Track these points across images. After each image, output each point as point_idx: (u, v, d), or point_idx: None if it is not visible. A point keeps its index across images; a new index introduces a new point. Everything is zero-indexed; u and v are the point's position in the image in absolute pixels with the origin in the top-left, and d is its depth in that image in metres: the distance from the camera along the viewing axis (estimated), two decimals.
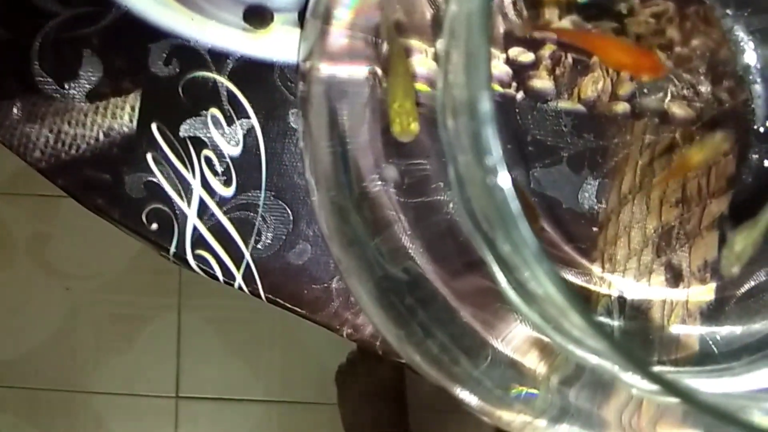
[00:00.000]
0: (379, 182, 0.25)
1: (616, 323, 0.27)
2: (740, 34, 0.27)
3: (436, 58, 0.26)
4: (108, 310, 0.95)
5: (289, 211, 0.31)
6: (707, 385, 0.24)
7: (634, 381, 0.16)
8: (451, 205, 0.26)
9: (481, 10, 0.13)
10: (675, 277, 0.28)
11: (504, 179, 0.14)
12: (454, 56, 0.15)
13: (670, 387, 0.15)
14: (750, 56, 0.27)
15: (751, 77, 0.27)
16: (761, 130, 0.27)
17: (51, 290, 0.95)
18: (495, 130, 0.13)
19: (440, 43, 0.16)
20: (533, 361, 0.21)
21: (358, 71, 0.25)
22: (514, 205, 0.14)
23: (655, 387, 0.15)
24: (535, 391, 0.21)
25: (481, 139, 0.13)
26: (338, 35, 0.23)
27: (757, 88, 0.27)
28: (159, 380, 0.94)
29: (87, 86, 0.31)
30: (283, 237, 0.31)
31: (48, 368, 0.95)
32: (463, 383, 0.21)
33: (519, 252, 0.14)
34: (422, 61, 0.27)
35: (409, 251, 0.25)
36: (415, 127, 0.25)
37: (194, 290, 0.94)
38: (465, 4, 0.14)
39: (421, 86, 0.27)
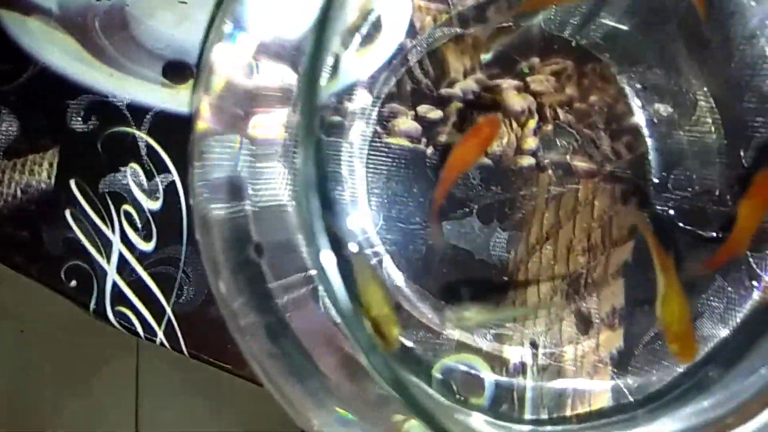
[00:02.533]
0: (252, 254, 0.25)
1: (528, 375, 0.27)
2: (634, 89, 0.28)
3: (417, 118, 0.29)
4: (64, 351, 0.93)
5: None
6: None
7: None
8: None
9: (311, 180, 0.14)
10: (585, 324, 0.28)
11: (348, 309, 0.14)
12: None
13: None
14: (642, 111, 0.28)
15: (644, 131, 0.28)
16: (656, 180, 0.28)
17: (4, 334, 0.93)
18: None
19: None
20: None
21: (229, 137, 0.25)
22: (362, 335, 0.13)
23: None
24: None
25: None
26: (213, 101, 0.24)
27: (650, 141, 0.28)
28: (118, 421, 0.92)
29: (4, 143, 0.31)
30: (206, 291, 0.31)
31: (4, 413, 0.92)
32: None
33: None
34: (405, 121, 0.29)
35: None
36: (397, 331, 0.24)
37: None
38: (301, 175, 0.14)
39: (401, 141, 0.29)
